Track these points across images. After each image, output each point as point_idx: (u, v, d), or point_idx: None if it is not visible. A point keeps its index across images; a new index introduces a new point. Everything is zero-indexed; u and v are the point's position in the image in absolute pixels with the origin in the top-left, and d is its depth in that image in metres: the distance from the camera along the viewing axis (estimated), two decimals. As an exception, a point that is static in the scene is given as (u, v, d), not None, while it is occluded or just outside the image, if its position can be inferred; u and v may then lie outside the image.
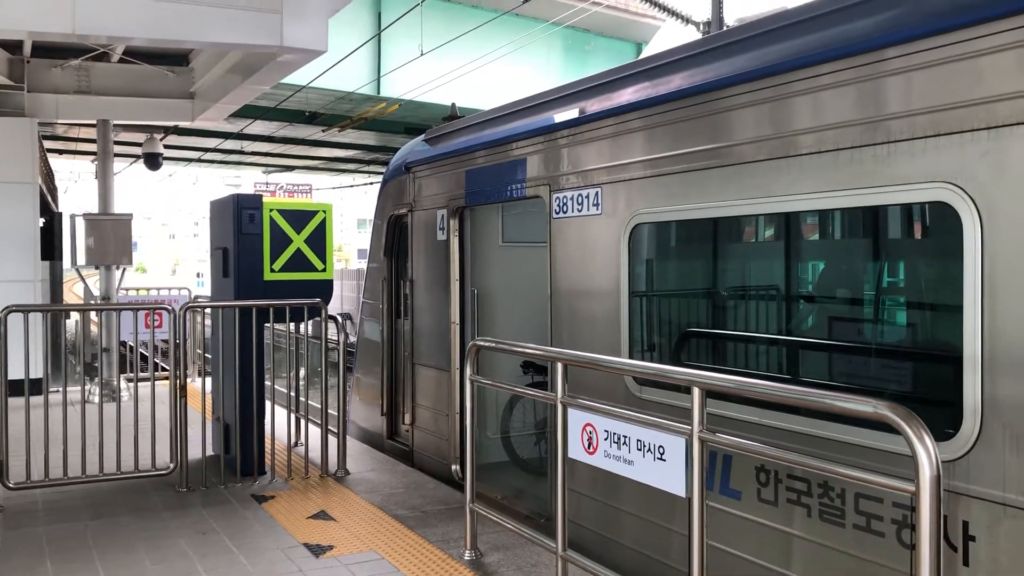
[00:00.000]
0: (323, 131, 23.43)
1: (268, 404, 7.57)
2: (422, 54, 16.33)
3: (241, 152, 27.96)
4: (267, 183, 45.19)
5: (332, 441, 7.57)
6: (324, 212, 7.60)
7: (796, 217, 4.55)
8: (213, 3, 8.22)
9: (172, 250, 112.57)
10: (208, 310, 9.42)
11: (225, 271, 7.48)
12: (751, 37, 4.73)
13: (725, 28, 12.39)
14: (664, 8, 12.63)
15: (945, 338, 3.78)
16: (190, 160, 31.41)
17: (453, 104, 9.27)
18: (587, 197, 5.71)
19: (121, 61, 11.65)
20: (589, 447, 4.35)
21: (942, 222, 3.76)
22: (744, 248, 5.22)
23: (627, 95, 5.46)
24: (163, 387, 9.99)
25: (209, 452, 7.59)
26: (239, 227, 7.24)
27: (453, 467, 7.49)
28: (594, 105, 5.75)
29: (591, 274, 5.73)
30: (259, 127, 22.87)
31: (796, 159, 4.23)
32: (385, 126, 23.58)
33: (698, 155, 4.84)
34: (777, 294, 4.83)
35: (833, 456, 3.88)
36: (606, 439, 4.21)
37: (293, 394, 8.34)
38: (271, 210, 7.37)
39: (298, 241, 7.45)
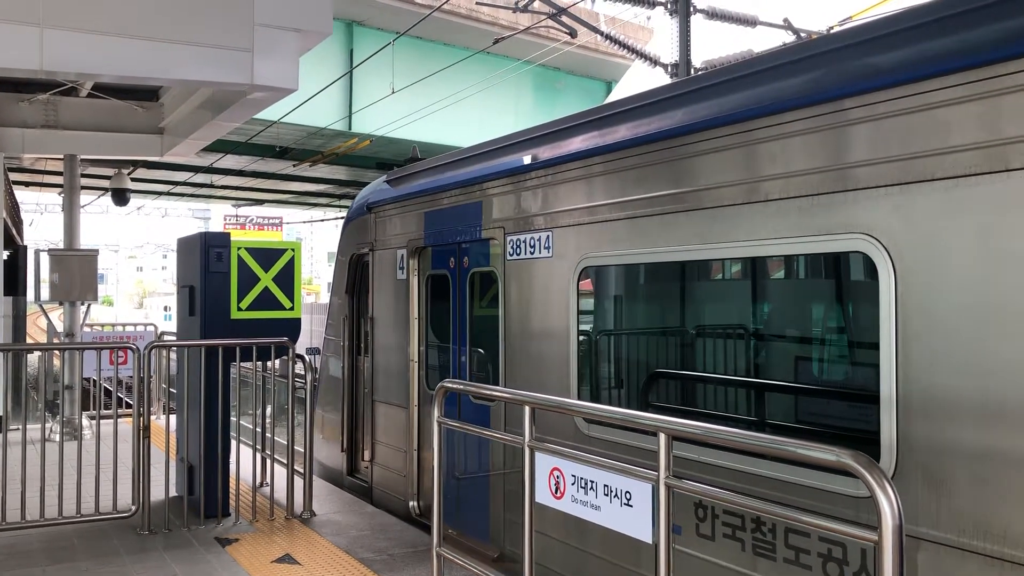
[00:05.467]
0: (294, 166, 23.43)
1: (234, 443, 7.47)
2: (393, 92, 16.42)
3: (211, 186, 27.86)
4: (236, 216, 44.94)
5: (298, 482, 7.48)
6: (292, 251, 7.57)
7: (729, 264, 4.81)
8: (183, 41, 8.19)
9: (139, 283, 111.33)
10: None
11: (191, 309, 7.41)
12: (690, 92, 4.98)
13: (693, 71, 12.63)
14: (632, 50, 12.83)
15: (867, 379, 3.99)
16: (159, 193, 31.22)
17: (414, 147, 9.49)
18: (539, 240, 5.96)
19: (90, 96, 11.56)
20: (557, 491, 4.33)
21: (861, 271, 4.04)
22: (682, 291, 5.42)
23: (576, 144, 5.71)
24: (127, 425, 9.84)
25: (173, 493, 7.48)
26: (206, 265, 7.19)
27: (411, 503, 7.57)
28: (546, 152, 5.99)
29: (542, 315, 5.94)
30: (230, 161, 22.82)
31: (730, 208, 4.48)
32: (356, 161, 23.64)
33: (639, 203, 5.10)
34: (713, 336, 5.09)
35: (767, 493, 4.07)
36: (573, 484, 4.20)
37: (260, 432, 8.23)
38: (239, 249, 7.33)
39: (266, 280, 7.41)
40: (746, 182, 4.38)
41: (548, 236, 5.86)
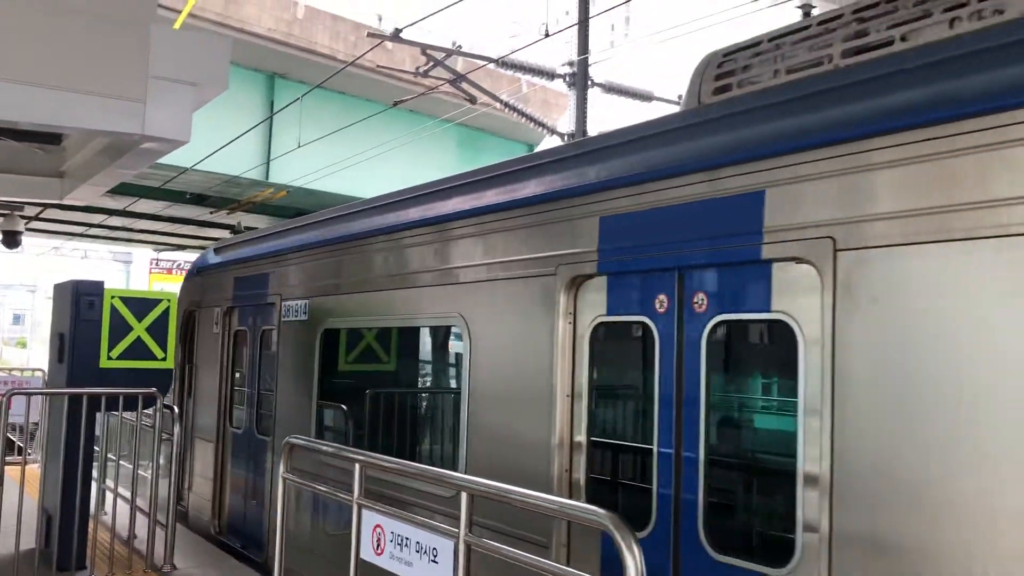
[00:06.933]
0: (211, 213, 23.29)
1: (107, 494, 7.42)
2: (299, 146, 16.57)
3: (128, 229, 27.45)
4: (157, 260, 44.17)
5: (160, 533, 7.40)
6: (168, 301, 7.64)
7: (401, 331, 6.93)
8: (77, 89, 8.22)
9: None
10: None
11: (60, 356, 7.37)
12: (375, 207, 6.80)
13: (585, 138, 13.10)
14: (529, 118, 13.26)
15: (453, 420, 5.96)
16: (73, 235, 30.64)
17: (239, 222, 10.82)
18: (300, 307, 7.52)
19: (-11, 136, 11.42)
20: (378, 548, 4.45)
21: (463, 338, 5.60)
22: (374, 352, 7.43)
23: (319, 233, 7.44)
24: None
25: (32, 544, 7.33)
26: (76, 313, 7.20)
27: (213, 522, 8.87)
28: (303, 238, 7.68)
29: (299, 367, 7.39)
30: (145, 205, 22.60)
31: (396, 291, 6.18)
32: (276, 211, 23.60)
33: (349, 284, 6.79)
34: (393, 389, 7.15)
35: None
36: (392, 540, 4.32)
37: (124, 483, 8.15)
38: (113, 297, 7.36)
39: (139, 329, 7.44)
40: (399, 274, 6.16)
41: (306, 304, 7.43)
